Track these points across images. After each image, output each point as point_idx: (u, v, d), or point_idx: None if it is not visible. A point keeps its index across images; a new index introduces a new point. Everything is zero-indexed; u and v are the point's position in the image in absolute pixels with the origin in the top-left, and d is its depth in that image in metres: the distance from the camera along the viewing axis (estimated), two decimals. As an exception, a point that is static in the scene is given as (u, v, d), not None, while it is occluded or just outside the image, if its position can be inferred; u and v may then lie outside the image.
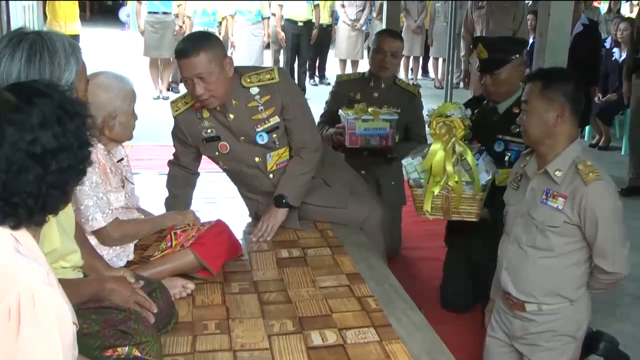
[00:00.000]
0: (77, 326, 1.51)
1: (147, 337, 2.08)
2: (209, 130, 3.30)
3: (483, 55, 3.54)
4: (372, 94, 4.39)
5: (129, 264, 2.80)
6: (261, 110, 3.26)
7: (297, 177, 3.36)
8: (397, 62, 4.58)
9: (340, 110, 4.20)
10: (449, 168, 3.17)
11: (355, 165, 3.99)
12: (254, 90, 3.24)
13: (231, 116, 3.24)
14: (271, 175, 3.41)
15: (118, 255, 2.80)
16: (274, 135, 3.31)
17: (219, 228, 2.94)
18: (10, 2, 7.73)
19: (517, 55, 3.54)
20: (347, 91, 4.45)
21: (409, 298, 2.75)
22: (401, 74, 12.80)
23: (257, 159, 3.38)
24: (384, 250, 3.60)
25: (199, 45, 3.02)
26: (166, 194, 3.49)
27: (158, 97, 10.60)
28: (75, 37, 9.88)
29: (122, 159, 2.94)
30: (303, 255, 3.14)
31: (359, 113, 4.01)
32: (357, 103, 4.18)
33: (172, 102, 3.41)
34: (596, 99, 8.00)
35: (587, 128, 8.60)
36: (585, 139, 8.59)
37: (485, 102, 3.71)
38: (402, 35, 11.80)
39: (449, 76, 9.61)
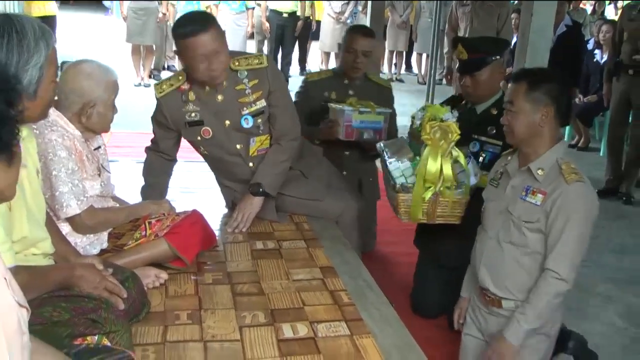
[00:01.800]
0: (29, 310, 1.50)
1: (117, 326, 2.08)
2: (192, 114, 3.29)
3: (463, 56, 3.49)
4: (348, 91, 4.25)
5: (102, 252, 2.79)
6: (248, 93, 3.29)
7: (275, 165, 3.37)
8: (368, 60, 4.32)
9: (331, 104, 4.09)
10: (449, 173, 3.12)
11: (337, 162, 4.01)
12: (242, 74, 3.28)
13: (220, 97, 3.27)
14: (251, 164, 3.41)
15: (92, 244, 2.79)
16: (259, 120, 3.33)
17: (194, 218, 2.93)
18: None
19: (498, 57, 3.49)
20: (320, 91, 4.29)
21: (381, 293, 2.76)
22: (385, 68, 12.83)
23: (238, 146, 3.38)
24: (359, 245, 3.60)
25: (207, 22, 3.11)
26: (142, 182, 3.47)
27: (139, 85, 10.55)
28: (52, 18, 9.76)
29: (99, 147, 2.92)
30: (278, 248, 3.15)
31: (355, 105, 3.97)
32: (332, 102, 4.13)
33: (157, 84, 3.39)
34: (577, 99, 8.05)
35: (567, 128, 8.65)
36: (565, 139, 8.64)
37: (463, 102, 3.67)
38: (387, 29, 12.01)
39: (432, 72, 9.62)
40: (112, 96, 2.79)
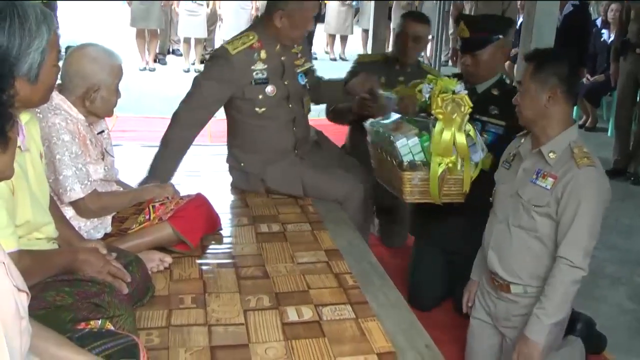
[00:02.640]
0: (29, 295, 1.48)
1: (121, 310, 2.07)
2: (260, 72, 3.46)
3: (465, 34, 3.40)
4: (398, 77, 4.19)
5: (106, 236, 2.78)
6: (299, 56, 3.66)
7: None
8: (420, 46, 4.35)
9: (378, 90, 3.86)
10: (463, 143, 3.00)
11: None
12: None
13: (283, 57, 3.55)
14: (295, 128, 3.60)
15: (96, 228, 2.78)
16: (306, 81, 3.67)
17: (199, 202, 2.93)
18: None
19: (501, 36, 3.38)
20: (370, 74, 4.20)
21: (386, 275, 2.75)
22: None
23: (291, 105, 3.58)
24: (365, 227, 3.59)
25: None
26: (147, 164, 3.43)
27: (144, 69, 10.54)
28: (52, 3, 9.69)
29: (102, 131, 2.90)
30: (282, 231, 3.14)
31: (401, 92, 3.82)
32: (382, 86, 4.01)
33: (228, 43, 3.53)
34: (584, 79, 8.00)
35: (574, 108, 8.59)
36: (573, 119, 8.59)
37: (464, 83, 3.60)
38: (392, 11, 11.93)
39: (438, 53, 9.57)
40: (115, 80, 2.77)
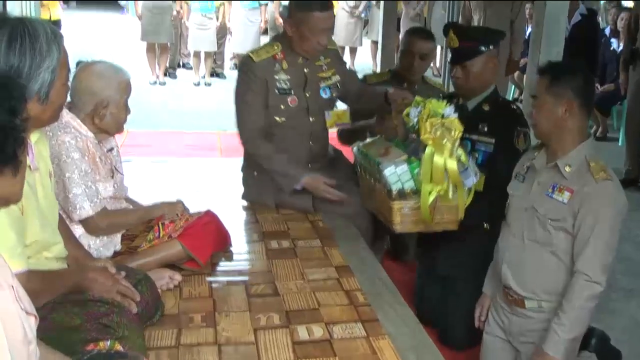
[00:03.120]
0: (37, 318, 1.48)
1: (130, 330, 2.07)
2: (283, 82, 3.50)
3: (454, 43, 3.30)
4: None
5: (116, 254, 2.78)
6: (325, 69, 3.63)
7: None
8: (426, 63, 4.26)
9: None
10: (455, 171, 2.89)
11: None
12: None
13: (306, 70, 3.56)
14: (311, 143, 3.60)
15: (105, 245, 2.78)
16: (334, 94, 3.66)
17: (208, 219, 2.92)
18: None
19: (492, 47, 3.28)
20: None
21: (397, 292, 2.74)
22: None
23: (312, 119, 3.58)
24: (379, 244, 3.58)
25: (331, 2, 3.57)
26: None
27: (155, 83, 10.57)
28: (57, 23, 9.75)
29: (112, 149, 2.90)
30: (293, 247, 3.13)
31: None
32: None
33: (252, 52, 3.57)
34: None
35: (586, 118, 8.55)
36: (583, 129, 8.54)
37: (456, 99, 3.43)
38: (401, 22, 11.93)
39: (447, 64, 9.55)
40: (124, 96, 2.77)
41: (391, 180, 2.96)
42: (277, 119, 3.51)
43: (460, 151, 2.93)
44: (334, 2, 12.42)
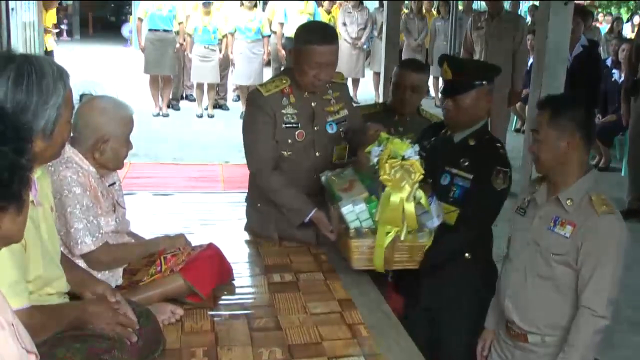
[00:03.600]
0: (37, 356, 1.48)
1: (131, 364, 2.06)
2: (290, 117, 3.47)
3: (447, 75, 3.19)
4: (398, 128, 4.01)
5: (117, 288, 2.76)
6: (333, 103, 3.59)
7: None
8: (418, 96, 4.09)
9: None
10: (412, 217, 2.84)
11: None
12: (328, 85, 3.57)
13: (313, 104, 3.52)
14: (315, 176, 3.45)
15: (107, 280, 2.76)
16: (341, 129, 3.60)
17: (211, 252, 2.91)
18: (10, 16, 7.75)
19: (485, 82, 3.13)
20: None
21: (400, 326, 2.72)
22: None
23: (318, 154, 3.54)
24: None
25: (334, 36, 3.47)
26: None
27: (158, 114, 10.62)
28: (49, 54, 9.79)
29: (114, 183, 2.91)
30: (295, 280, 3.11)
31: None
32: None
33: (261, 85, 3.57)
34: (596, 119, 7.98)
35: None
36: (586, 159, 8.54)
37: (445, 130, 3.36)
38: (403, 53, 12.00)
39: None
40: (125, 132, 2.79)
41: (349, 219, 2.95)
42: (285, 153, 3.49)
43: (420, 193, 2.88)
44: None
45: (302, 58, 3.35)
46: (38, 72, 2.01)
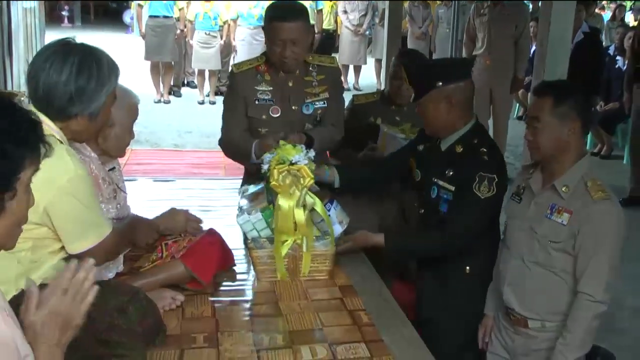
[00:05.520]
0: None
1: (131, 349, 2.05)
2: (264, 94, 3.49)
3: (406, 82, 3.18)
4: (394, 117, 4.08)
5: (118, 275, 2.76)
6: (315, 85, 3.55)
7: (323, 131, 3.54)
8: None
9: (384, 126, 3.95)
10: (302, 223, 2.79)
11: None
12: (313, 67, 3.56)
13: (290, 83, 3.50)
14: None
15: (107, 267, 2.74)
16: (318, 111, 3.55)
17: (211, 238, 2.90)
18: (11, 2, 7.72)
19: (440, 83, 2.91)
20: (365, 115, 4.17)
21: (401, 312, 2.71)
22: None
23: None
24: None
25: (299, 13, 3.40)
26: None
27: (159, 101, 10.62)
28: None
29: (113, 168, 2.90)
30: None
31: (408, 134, 3.83)
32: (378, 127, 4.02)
33: (235, 64, 3.66)
34: (598, 107, 7.96)
35: (588, 136, 8.55)
36: (587, 147, 8.53)
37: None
38: (407, 41, 11.95)
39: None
40: (130, 119, 2.78)
41: (245, 229, 2.91)
42: (261, 130, 3.50)
43: (312, 199, 2.82)
44: (338, 18, 12.51)
45: (267, 35, 3.42)
46: (98, 63, 2.27)
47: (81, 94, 2.21)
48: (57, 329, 1.60)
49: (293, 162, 2.79)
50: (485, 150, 2.92)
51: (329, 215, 2.89)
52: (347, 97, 3.85)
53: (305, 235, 2.85)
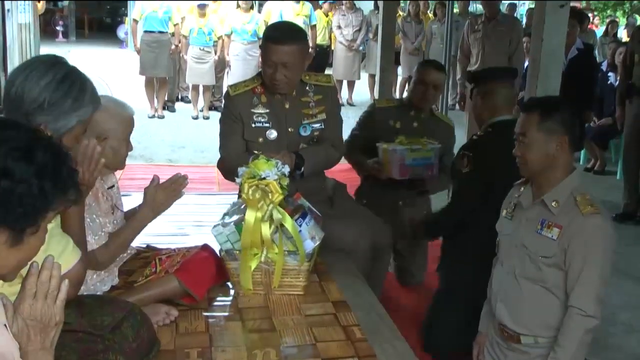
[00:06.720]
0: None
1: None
2: (260, 116, 3.47)
3: None
4: (412, 123, 4.34)
5: (113, 288, 2.76)
6: (312, 106, 3.53)
7: (319, 151, 3.54)
8: (438, 94, 4.56)
9: (380, 144, 4.14)
10: (268, 238, 2.79)
11: (394, 196, 4.24)
12: (310, 87, 3.54)
13: (287, 105, 3.48)
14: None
15: (102, 281, 2.76)
16: (315, 132, 3.55)
17: (205, 253, 2.92)
18: (6, 18, 7.73)
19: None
20: (386, 118, 4.39)
21: (395, 328, 2.71)
22: (397, 95, 12.83)
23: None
24: (376, 278, 3.57)
25: (294, 37, 3.38)
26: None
27: (153, 116, 10.61)
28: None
29: (112, 186, 2.90)
30: (290, 281, 3.09)
31: (404, 144, 4.02)
32: (396, 131, 4.23)
33: (231, 85, 3.59)
34: (592, 122, 8.00)
35: (582, 152, 8.58)
36: (581, 162, 8.57)
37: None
38: (401, 56, 11.99)
39: (445, 98, 9.61)
40: (126, 131, 2.77)
41: (219, 240, 2.91)
42: (256, 152, 3.41)
43: (283, 215, 2.81)
44: (332, 34, 12.55)
45: (261, 55, 3.40)
46: (82, 84, 2.24)
47: (53, 106, 2.15)
48: (38, 334, 1.60)
49: (262, 177, 2.79)
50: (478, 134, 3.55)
51: (300, 231, 2.86)
52: (342, 112, 3.87)
53: (269, 249, 2.83)
